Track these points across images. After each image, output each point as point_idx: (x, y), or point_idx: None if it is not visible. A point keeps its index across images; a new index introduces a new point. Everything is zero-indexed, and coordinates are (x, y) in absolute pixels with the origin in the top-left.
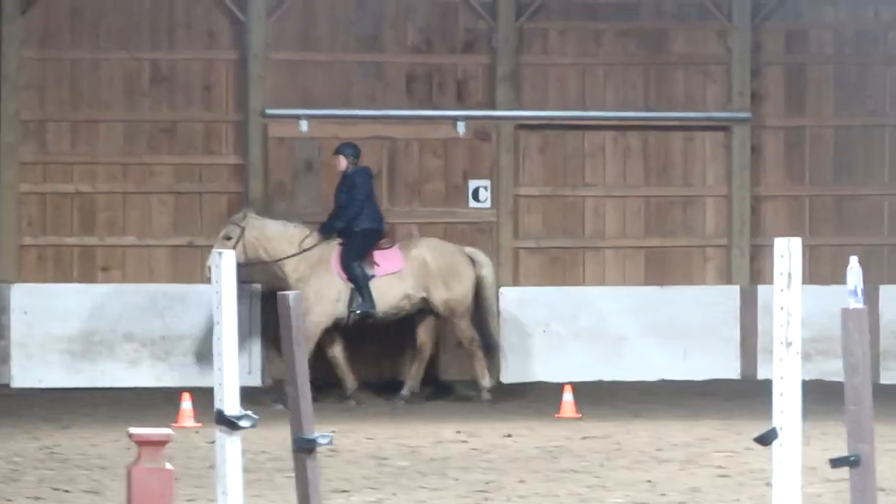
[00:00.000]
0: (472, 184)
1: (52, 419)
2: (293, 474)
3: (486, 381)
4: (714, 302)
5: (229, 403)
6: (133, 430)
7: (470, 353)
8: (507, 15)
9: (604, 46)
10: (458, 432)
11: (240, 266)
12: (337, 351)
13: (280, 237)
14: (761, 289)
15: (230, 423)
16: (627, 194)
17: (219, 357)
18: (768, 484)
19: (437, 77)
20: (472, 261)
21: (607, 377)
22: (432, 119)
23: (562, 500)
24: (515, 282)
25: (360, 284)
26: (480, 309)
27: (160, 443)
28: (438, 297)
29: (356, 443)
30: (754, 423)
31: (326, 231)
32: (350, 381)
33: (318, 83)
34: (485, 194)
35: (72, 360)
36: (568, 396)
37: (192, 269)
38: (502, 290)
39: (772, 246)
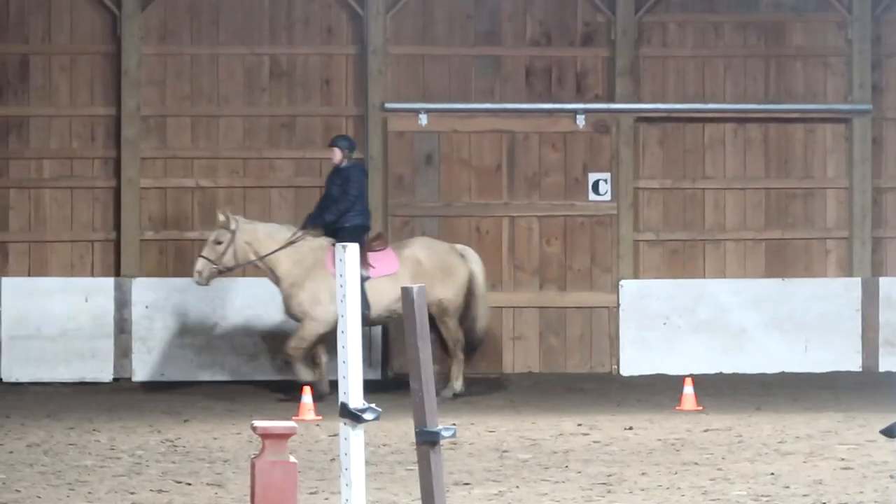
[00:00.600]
0: (592, 176)
1: (173, 413)
2: (415, 467)
3: (458, 385)
4: (835, 294)
5: (353, 396)
6: (257, 422)
7: (451, 353)
8: (626, 8)
9: (723, 38)
10: (579, 425)
11: (230, 270)
12: (319, 349)
13: (270, 238)
14: (883, 281)
15: (354, 416)
16: (747, 186)
17: (343, 350)
18: (892, 476)
19: (556, 70)
20: (463, 258)
21: (727, 370)
22: (551, 112)
23: (684, 492)
24: (635, 274)
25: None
26: (472, 307)
27: (284, 436)
28: (433, 296)
29: (477, 435)
30: (877, 415)
31: (315, 223)
32: (324, 384)
33: (437, 77)
34: (605, 187)
35: (192, 353)
36: (689, 389)
37: None
38: (622, 282)
39: (893, 238)
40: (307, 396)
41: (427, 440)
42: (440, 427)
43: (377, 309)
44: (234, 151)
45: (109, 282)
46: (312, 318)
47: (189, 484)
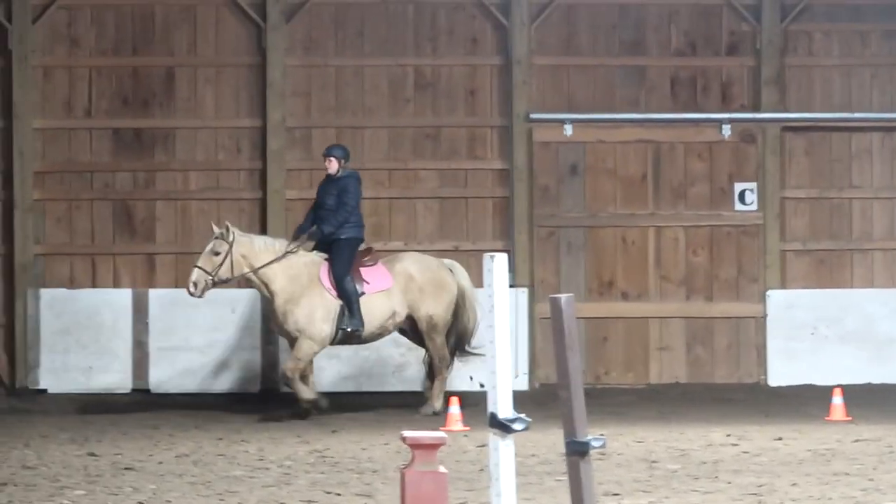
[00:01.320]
0: (738, 186)
1: (321, 423)
2: (564, 477)
3: (438, 404)
4: None
5: (502, 407)
6: (407, 433)
7: (435, 370)
8: (771, 17)
9: (870, 47)
10: (728, 435)
11: (224, 282)
12: (308, 366)
13: (266, 251)
14: None
15: (504, 427)
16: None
17: (492, 360)
18: None
19: (701, 80)
20: (452, 273)
21: (876, 380)
22: (697, 122)
23: (835, 503)
24: (782, 284)
25: (351, 301)
26: (461, 320)
27: (434, 446)
28: (424, 312)
29: (626, 446)
30: None
31: (313, 236)
32: (308, 393)
33: (582, 87)
34: (751, 197)
35: (339, 364)
36: (837, 399)
37: None
38: (769, 292)
39: None
40: (455, 407)
41: (577, 450)
42: (590, 437)
43: (370, 326)
44: (378, 162)
45: (255, 293)
46: (308, 336)
47: (339, 494)
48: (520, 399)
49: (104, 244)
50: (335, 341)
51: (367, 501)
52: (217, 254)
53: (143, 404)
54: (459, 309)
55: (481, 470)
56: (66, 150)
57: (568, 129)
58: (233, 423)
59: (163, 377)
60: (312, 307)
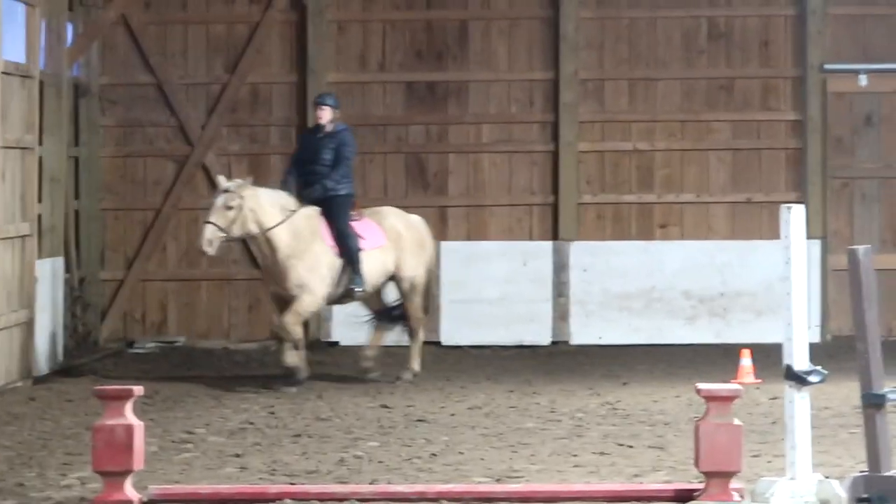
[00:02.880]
0: None
1: (612, 375)
2: (858, 430)
3: (417, 365)
4: None
5: (798, 359)
6: (702, 385)
7: (412, 332)
8: None
9: None
10: None
11: (233, 240)
12: (303, 333)
13: (273, 206)
14: None
15: (799, 379)
16: None
17: (788, 312)
18: None
19: None
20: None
21: None
22: None
23: None
24: None
25: (354, 258)
26: (427, 281)
27: (728, 398)
28: (408, 271)
29: None
30: None
31: (313, 194)
32: (293, 358)
33: (878, 37)
34: None
35: (630, 316)
36: None
37: (750, 225)
38: None
39: None
40: (746, 359)
41: (873, 403)
42: (886, 390)
43: (368, 285)
44: (671, 114)
45: (548, 245)
46: (310, 291)
47: (630, 447)
48: (811, 351)
49: (397, 197)
50: (333, 300)
51: (660, 454)
52: (230, 208)
53: (434, 356)
54: (429, 271)
55: (774, 422)
56: (359, 103)
57: (863, 80)
58: (524, 375)
59: (454, 330)
60: (316, 262)
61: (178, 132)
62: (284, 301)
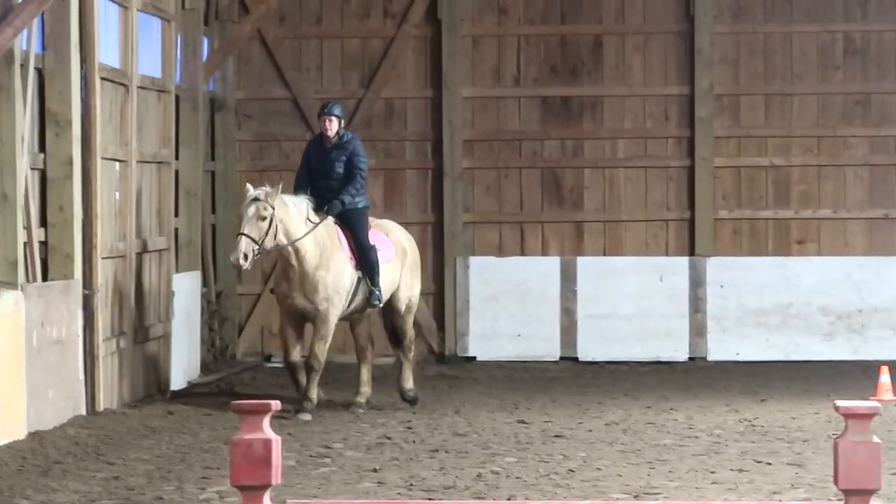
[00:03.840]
0: None
1: (749, 392)
2: None
3: (412, 383)
4: None
5: None
6: (840, 402)
7: (405, 354)
8: None
9: None
10: None
11: (265, 253)
12: (297, 354)
13: (300, 215)
14: None
15: None
16: None
17: None
18: None
19: None
20: None
21: None
22: None
23: None
24: None
25: (374, 272)
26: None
27: (868, 416)
28: (407, 290)
29: None
30: None
31: (331, 210)
32: (314, 391)
33: None
34: None
35: (767, 332)
36: None
37: (887, 241)
38: None
39: None
40: (885, 376)
41: None
42: None
43: (383, 300)
44: (807, 129)
45: (684, 261)
46: (334, 306)
47: (769, 464)
48: None
49: (532, 212)
50: (343, 316)
51: (798, 471)
52: (263, 219)
53: (571, 372)
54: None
55: None
56: (494, 118)
57: None
58: (661, 391)
59: (591, 345)
60: (341, 274)
61: None
62: (300, 317)
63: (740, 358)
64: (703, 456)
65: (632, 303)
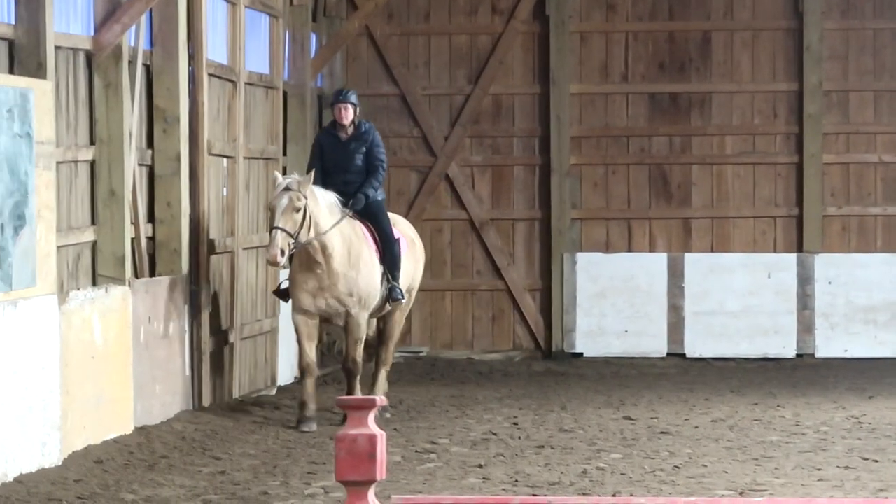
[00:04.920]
0: None
1: (857, 389)
2: None
3: (384, 392)
4: None
5: None
6: None
7: (385, 357)
8: None
9: None
10: None
11: (299, 249)
12: (314, 354)
13: (328, 207)
14: None
15: None
16: None
17: None
18: None
19: None
20: None
21: None
22: None
23: None
24: None
25: (396, 266)
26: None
27: None
28: (415, 284)
29: None
30: None
31: (355, 205)
32: (313, 408)
33: None
34: None
35: (875, 329)
36: None
37: None
38: None
39: None
40: None
41: None
42: None
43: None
44: None
45: (792, 257)
46: (366, 307)
47: (876, 461)
48: None
49: (640, 208)
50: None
51: None
52: (297, 210)
53: (678, 368)
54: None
55: None
56: (602, 114)
57: None
58: (768, 387)
59: (698, 341)
60: (371, 273)
61: (422, 143)
62: (319, 318)
63: (848, 355)
64: (810, 453)
65: (739, 299)
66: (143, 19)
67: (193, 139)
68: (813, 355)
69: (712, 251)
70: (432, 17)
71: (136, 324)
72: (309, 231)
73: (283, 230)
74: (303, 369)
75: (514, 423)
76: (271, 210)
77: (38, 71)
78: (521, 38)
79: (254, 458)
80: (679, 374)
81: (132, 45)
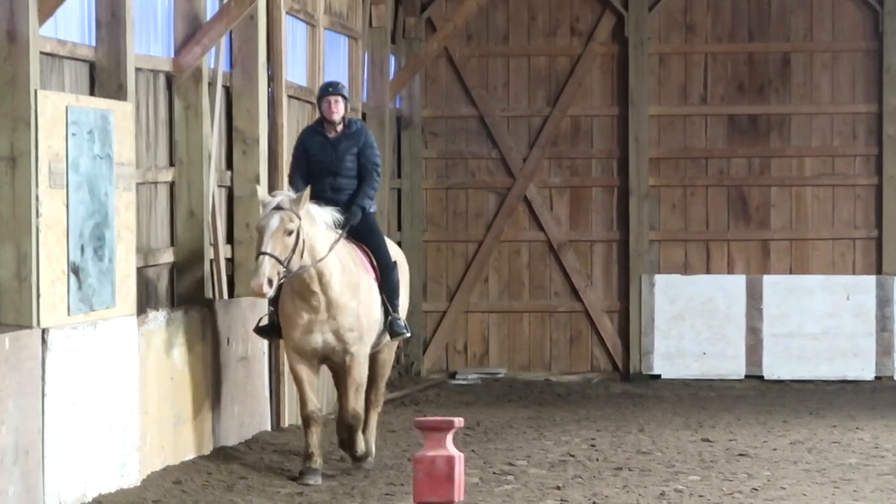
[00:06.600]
0: None
1: None
2: None
3: (373, 437)
4: None
5: None
6: None
7: (375, 400)
8: None
9: None
10: None
11: (289, 278)
12: (316, 402)
13: (325, 229)
14: None
15: None
16: None
17: None
18: None
19: None
20: None
21: None
22: None
23: None
24: None
25: (395, 295)
26: None
27: None
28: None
29: None
30: None
31: (350, 219)
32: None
33: None
34: None
35: None
36: None
37: None
38: None
39: None
40: None
41: None
42: None
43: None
44: None
45: (871, 279)
46: (365, 344)
47: None
48: None
49: (719, 230)
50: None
51: None
52: (289, 233)
53: (756, 390)
54: None
55: None
56: (681, 136)
57: None
58: (847, 410)
59: (776, 363)
60: (371, 303)
61: (500, 164)
62: (317, 358)
63: None
64: (889, 475)
65: (818, 321)
66: (223, 41)
67: (272, 161)
68: (892, 377)
69: (791, 273)
70: (511, 39)
71: (214, 345)
72: (302, 257)
73: (271, 256)
74: (305, 418)
75: (592, 445)
76: (259, 232)
77: (118, 93)
78: (600, 60)
79: (332, 479)
80: (757, 396)
81: (212, 66)
